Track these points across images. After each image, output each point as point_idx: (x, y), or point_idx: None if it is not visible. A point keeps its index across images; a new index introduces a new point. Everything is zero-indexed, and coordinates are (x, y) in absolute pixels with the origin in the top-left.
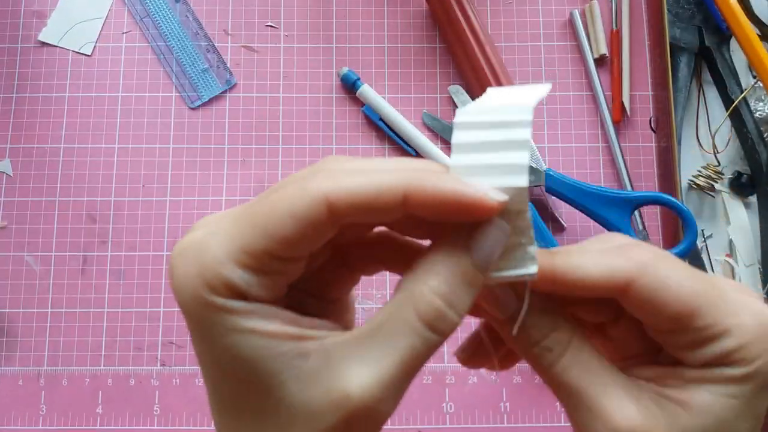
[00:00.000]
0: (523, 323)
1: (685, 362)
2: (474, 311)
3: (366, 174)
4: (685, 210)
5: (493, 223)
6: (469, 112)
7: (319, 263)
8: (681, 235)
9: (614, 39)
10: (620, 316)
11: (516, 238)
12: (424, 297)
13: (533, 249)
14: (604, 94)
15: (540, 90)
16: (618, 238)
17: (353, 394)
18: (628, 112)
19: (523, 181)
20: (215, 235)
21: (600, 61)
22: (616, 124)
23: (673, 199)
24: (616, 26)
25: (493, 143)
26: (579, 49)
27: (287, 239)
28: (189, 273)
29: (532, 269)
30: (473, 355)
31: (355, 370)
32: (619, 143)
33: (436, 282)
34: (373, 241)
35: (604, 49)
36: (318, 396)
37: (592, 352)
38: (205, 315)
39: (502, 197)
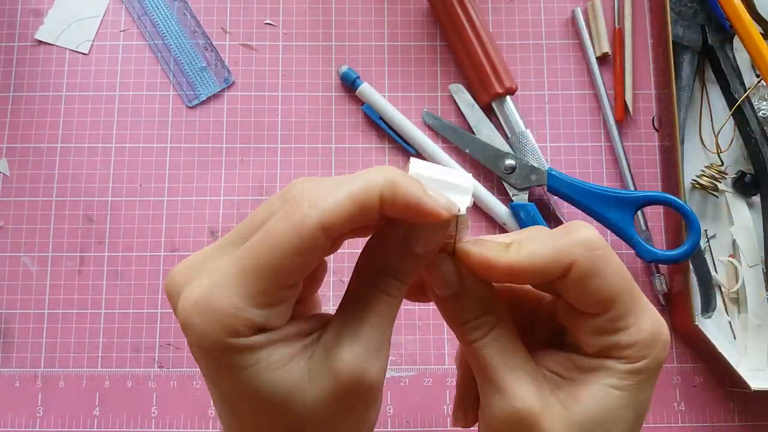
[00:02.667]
0: (460, 302)
1: (584, 348)
2: (417, 291)
3: (343, 189)
4: (689, 210)
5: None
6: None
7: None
8: (684, 235)
9: (617, 37)
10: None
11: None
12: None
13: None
14: (607, 93)
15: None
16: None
17: (343, 367)
18: (631, 111)
19: (464, 207)
20: (224, 285)
21: (602, 60)
22: (619, 122)
23: (676, 199)
24: (619, 24)
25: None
26: (581, 47)
27: (295, 272)
28: (210, 325)
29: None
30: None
31: (343, 347)
32: (622, 142)
33: (388, 266)
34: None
35: (606, 48)
36: (325, 383)
37: (514, 338)
38: (230, 359)
39: (453, 210)
